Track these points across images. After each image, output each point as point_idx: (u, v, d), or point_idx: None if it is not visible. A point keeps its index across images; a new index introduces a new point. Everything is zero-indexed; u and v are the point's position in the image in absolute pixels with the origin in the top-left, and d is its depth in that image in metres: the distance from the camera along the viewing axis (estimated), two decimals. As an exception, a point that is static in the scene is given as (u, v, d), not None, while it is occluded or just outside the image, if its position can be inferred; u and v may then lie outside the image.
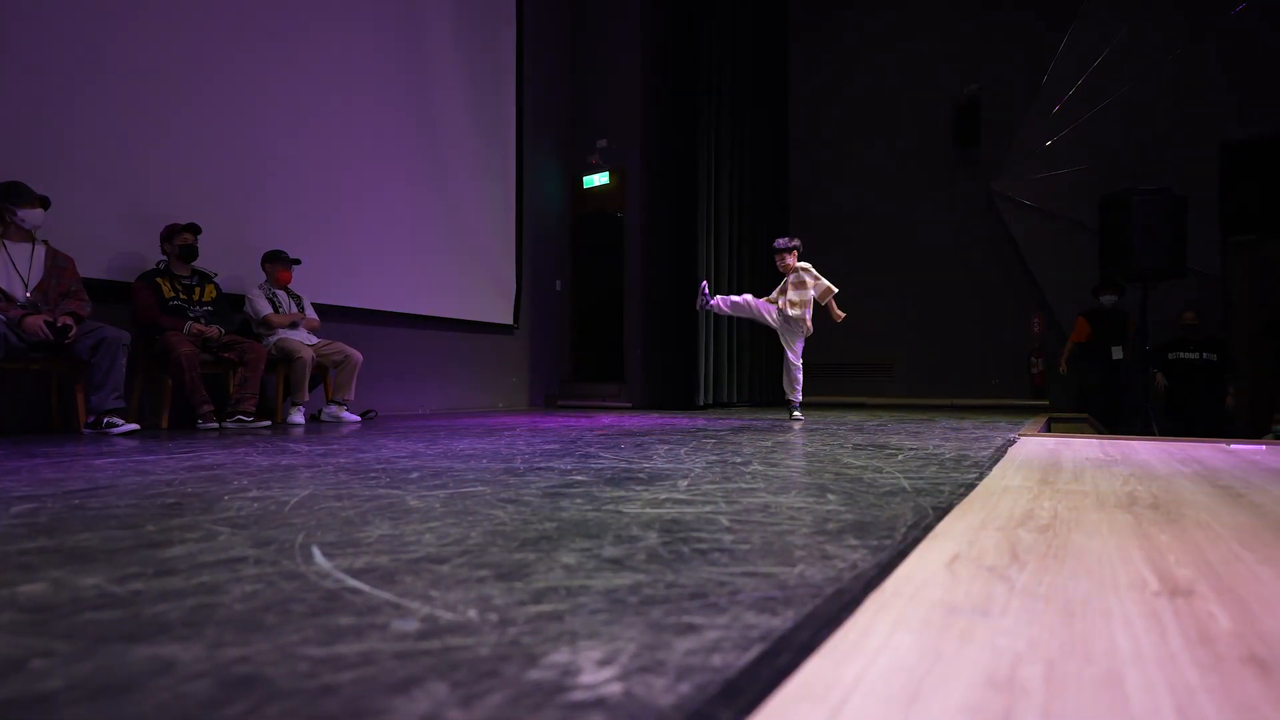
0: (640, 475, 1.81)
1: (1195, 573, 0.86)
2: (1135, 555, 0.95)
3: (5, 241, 3.30)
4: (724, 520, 1.22)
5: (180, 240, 3.88)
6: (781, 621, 0.69)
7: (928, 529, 1.12)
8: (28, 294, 3.32)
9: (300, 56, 4.85)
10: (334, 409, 4.44)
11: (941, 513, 1.26)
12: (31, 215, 3.32)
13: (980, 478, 1.73)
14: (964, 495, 1.45)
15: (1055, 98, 6.91)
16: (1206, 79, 6.30)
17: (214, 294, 4.06)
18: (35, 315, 3.22)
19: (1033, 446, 2.55)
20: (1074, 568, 0.88)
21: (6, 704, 0.54)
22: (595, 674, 0.57)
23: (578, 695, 0.53)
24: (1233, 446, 2.54)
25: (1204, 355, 5.81)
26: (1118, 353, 5.98)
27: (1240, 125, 6.13)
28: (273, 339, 4.24)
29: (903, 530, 1.12)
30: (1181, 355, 5.89)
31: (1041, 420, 4.51)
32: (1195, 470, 1.89)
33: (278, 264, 4.36)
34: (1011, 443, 2.68)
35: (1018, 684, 0.54)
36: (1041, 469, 1.90)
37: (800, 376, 4.52)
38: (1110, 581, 0.82)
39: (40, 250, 3.41)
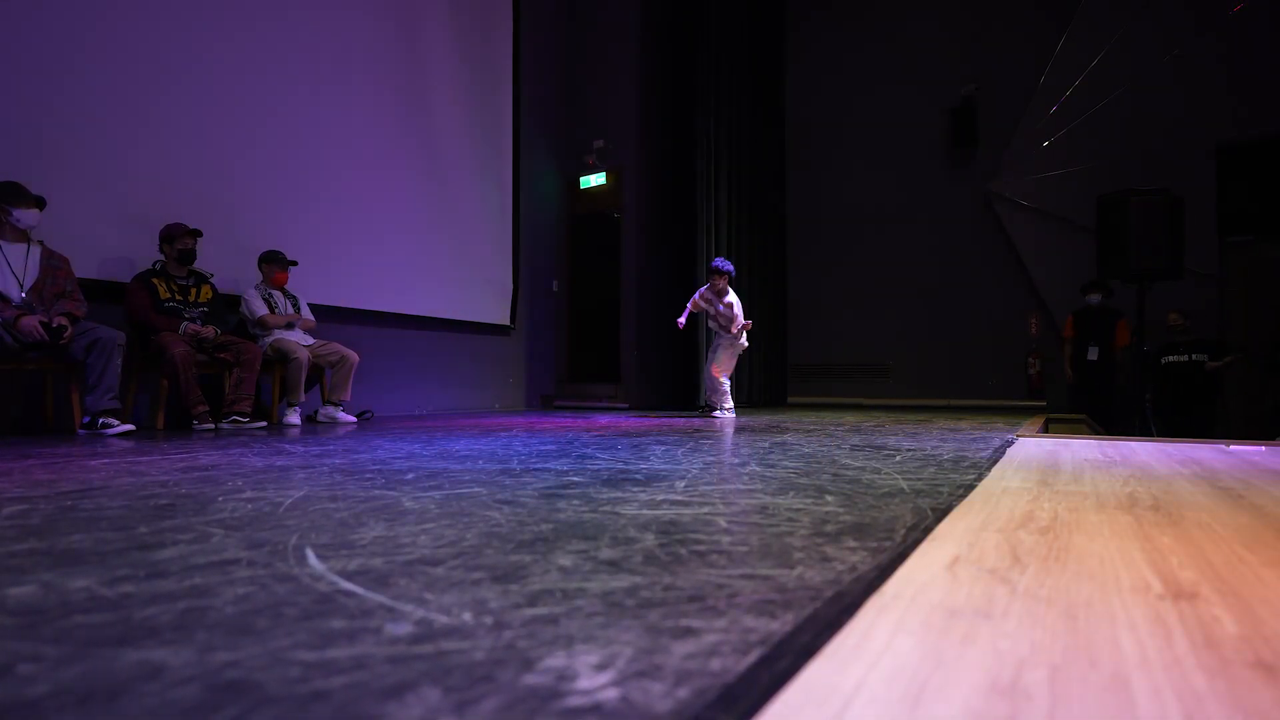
0: (637, 476, 1.80)
1: (1198, 575, 0.85)
2: (1137, 557, 0.94)
3: (1, 242, 3.29)
4: (722, 522, 1.21)
5: (181, 244, 3.87)
6: (781, 625, 0.68)
7: (927, 531, 1.11)
8: (23, 294, 3.30)
9: (296, 57, 4.83)
10: (330, 410, 4.42)
11: (941, 514, 1.25)
12: (27, 215, 3.31)
13: (979, 479, 1.72)
14: (963, 497, 1.44)
15: (1053, 98, 6.92)
16: (1204, 79, 6.31)
17: (210, 294, 4.05)
18: (30, 316, 3.20)
19: (1031, 447, 2.54)
20: (1076, 570, 0.87)
21: (-8, 710, 0.53)
22: (592, 679, 0.56)
23: (574, 701, 0.52)
24: (1232, 447, 2.54)
25: (1193, 357, 5.76)
26: (1093, 353, 5.98)
27: (1237, 126, 6.15)
28: (269, 339, 4.23)
29: (902, 532, 1.12)
30: (1172, 359, 5.85)
31: (1039, 421, 4.51)
32: (1195, 471, 1.89)
33: (274, 265, 4.35)
34: (1010, 444, 2.68)
35: (1021, 689, 0.53)
36: (1040, 470, 1.90)
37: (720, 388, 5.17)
38: (1113, 584, 0.81)
39: (35, 250, 3.39)
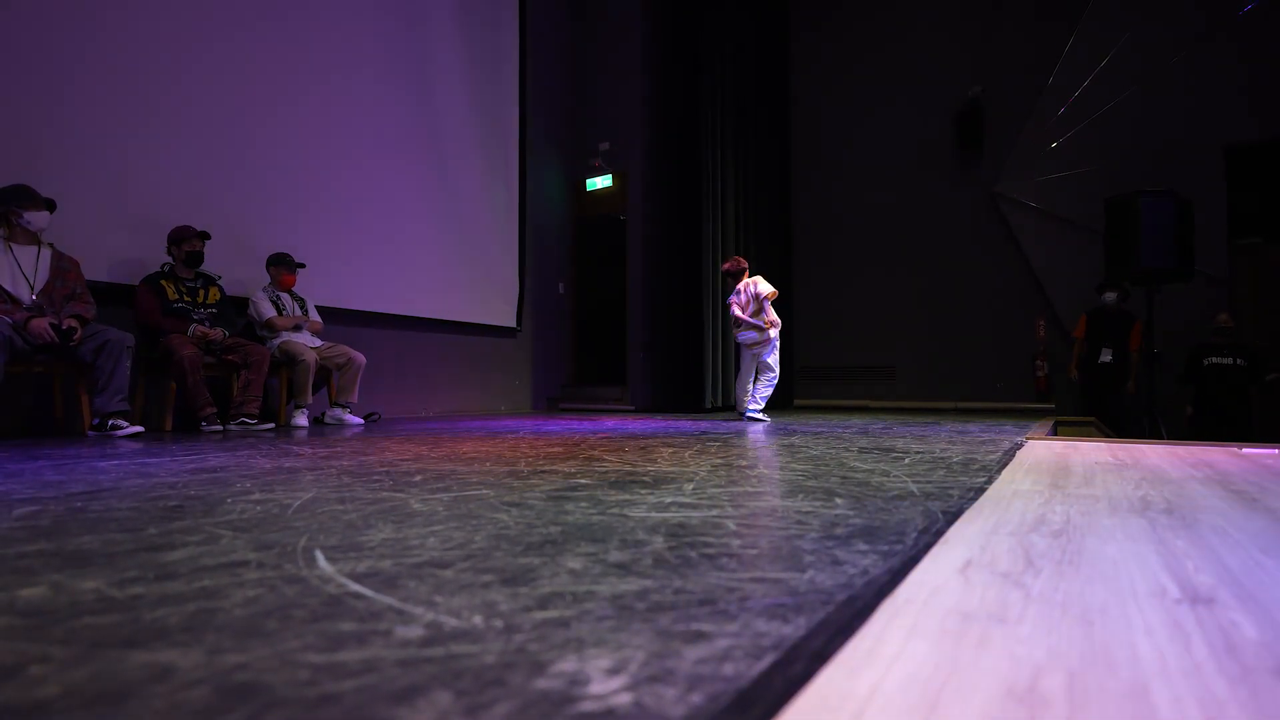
0: (645, 479, 1.79)
1: (1215, 580, 0.84)
2: (1152, 561, 0.93)
3: (11, 244, 3.31)
4: (731, 524, 1.21)
5: (189, 246, 3.88)
6: (793, 629, 0.68)
7: (938, 534, 1.10)
8: (33, 296, 3.32)
9: (305, 60, 4.85)
10: (337, 412, 4.43)
11: (952, 517, 1.24)
12: (37, 218, 3.33)
13: (989, 482, 1.71)
14: (974, 499, 1.43)
15: (1060, 99, 6.89)
16: (1213, 81, 6.27)
17: (218, 296, 4.06)
18: (40, 318, 3.22)
19: (1041, 450, 2.53)
20: (1090, 574, 0.86)
21: (3, 710, 0.53)
22: (604, 683, 0.56)
23: (586, 705, 0.52)
24: (1245, 450, 2.52)
25: (1237, 360, 5.63)
26: (1106, 355, 5.87)
27: (1247, 128, 6.11)
28: (276, 341, 4.24)
29: (913, 535, 1.11)
30: (1215, 360, 5.71)
31: (1048, 424, 4.48)
32: (1207, 475, 1.87)
33: (282, 267, 4.36)
34: (1019, 446, 2.66)
35: (1039, 695, 0.52)
36: (1051, 473, 1.88)
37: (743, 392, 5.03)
38: (1129, 589, 0.80)
39: (46, 253, 3.41)
